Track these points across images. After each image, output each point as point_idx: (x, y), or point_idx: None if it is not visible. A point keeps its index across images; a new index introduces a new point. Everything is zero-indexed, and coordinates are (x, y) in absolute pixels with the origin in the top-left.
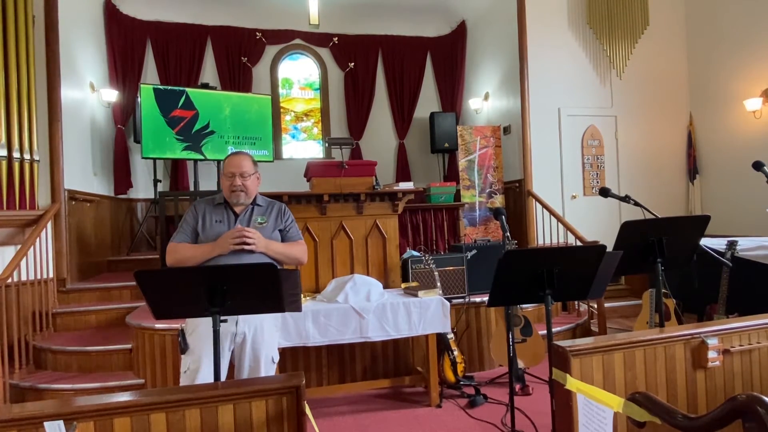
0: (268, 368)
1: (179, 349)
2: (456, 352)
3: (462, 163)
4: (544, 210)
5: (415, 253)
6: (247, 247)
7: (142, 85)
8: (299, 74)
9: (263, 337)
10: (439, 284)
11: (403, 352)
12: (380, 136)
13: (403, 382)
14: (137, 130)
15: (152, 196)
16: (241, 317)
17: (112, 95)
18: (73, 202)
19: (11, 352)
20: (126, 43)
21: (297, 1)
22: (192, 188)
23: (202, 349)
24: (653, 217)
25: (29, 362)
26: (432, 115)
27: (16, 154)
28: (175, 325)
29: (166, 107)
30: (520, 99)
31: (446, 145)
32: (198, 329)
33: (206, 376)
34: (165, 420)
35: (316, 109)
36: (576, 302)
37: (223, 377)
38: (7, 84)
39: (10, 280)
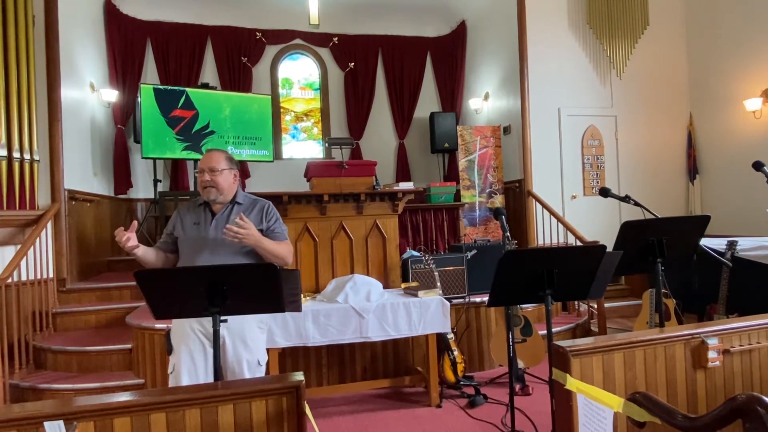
0: (254, 371)
1: (166, 350)
2: (456, 352)
3: (462, 163)
4: (544, 210)
5: (415, 253)
6: (238, 238)
7: (142, 85)
8: (299, 74)
9: (245, 343)
10: (439, 284)
11: (403, 352)
12: (380, 136)
13: (403, 382)
14: (137, 130)
15: (152, 196)
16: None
17: (112, 95)
18: (73, 202)
19: (11, 352)
20: (126, 43)
21: (297, 1)
22: (192, 188)
23: (181, 349)
24: (653, 217)
25: (29, 362)
26: (432, 115)
27: (16, 154)
28: None
29: (166, 107)
30: (520, 99)
31: (446, 145)
32: (178, 330)
33: (187, 375)
34: (165, 420)
35: (316, 109)
36: (576, 302)
37: (210, 379)
38: (7, 84)
39: (10, 280)
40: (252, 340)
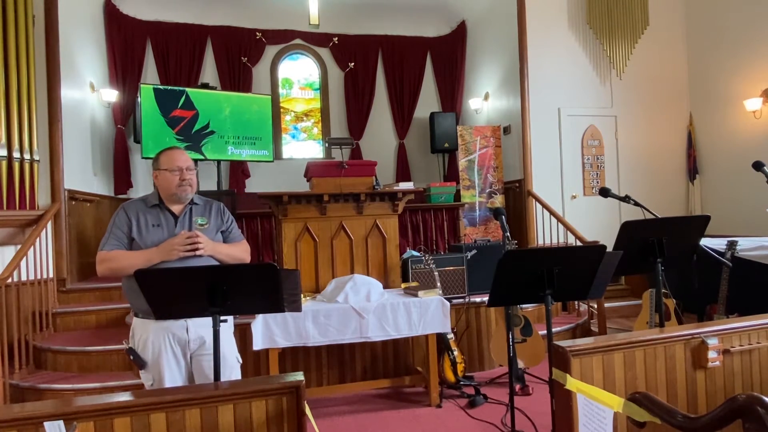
0: (229, 374)
1: (138, 366)
2: (456, 352)
3: (462, 163)
4: (544, 210)
5: (415, 253)
6: (197, 252)
7: (142, 85)
8: (299, 74)
9: (225, 338)
10: (439, 284)
11: (403, 352)
12: (380, 136)
13: (403, 382)
14: (137, 130)
15: None
16: (190, 323)
17: (112, 95)
18: (73, 202)
19: (11, 352)
20: (126, 43)
21: (297, 1)
22: None
23: (160, 361)
24: (653, 217)
25: (29, 362)
26: (432, 115)
27: (16, 154)
28: None
29: (166, 107)
30: (520, 99)
31: (446, 145)
32: (149, 343)
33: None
34: (165, 420)
35: (316, 109)
36: (576, 302)
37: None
38: (7, 84)
39: (10, 280)
40: (228, 335)
